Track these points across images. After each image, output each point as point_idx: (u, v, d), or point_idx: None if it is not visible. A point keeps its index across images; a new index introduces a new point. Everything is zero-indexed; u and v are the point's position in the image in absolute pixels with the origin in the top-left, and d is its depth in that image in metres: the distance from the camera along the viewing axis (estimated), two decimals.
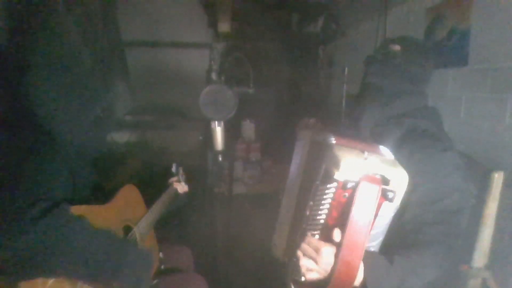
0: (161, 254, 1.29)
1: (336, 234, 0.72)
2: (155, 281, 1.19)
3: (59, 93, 0.91)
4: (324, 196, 0.75)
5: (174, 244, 1.52)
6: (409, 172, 0.81)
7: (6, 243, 0.68)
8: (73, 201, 0.86)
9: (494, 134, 1.36)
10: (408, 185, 0.82)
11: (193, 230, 2.20)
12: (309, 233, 0.78)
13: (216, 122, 1.28)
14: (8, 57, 0.90)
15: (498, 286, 0.99)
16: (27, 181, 0.78)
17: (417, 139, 0.92)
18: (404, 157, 0.85)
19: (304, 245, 0.78)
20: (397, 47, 1.03)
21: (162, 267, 1.29)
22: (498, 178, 0.95)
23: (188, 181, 1.53)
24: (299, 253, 0.79)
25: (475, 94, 1.47)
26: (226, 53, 3.03)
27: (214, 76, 1.33)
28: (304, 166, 1.02)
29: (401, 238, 0.83)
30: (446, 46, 1.62)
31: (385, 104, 1.00)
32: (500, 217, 0.97)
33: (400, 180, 0.73)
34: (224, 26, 2.99)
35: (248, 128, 2.82)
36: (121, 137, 2.93)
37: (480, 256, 0.97)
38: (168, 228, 1.41)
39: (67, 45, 0.98)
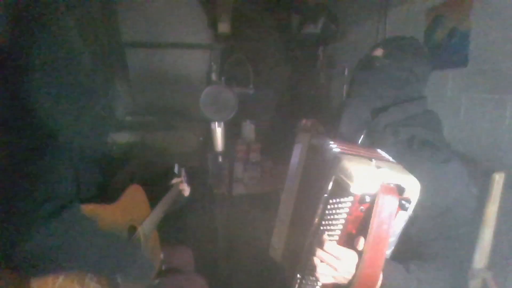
0: (162, 255, 1.29)
1: (360, 243, 0.70)
2: (156, 281, 1.19)
3: (59, 94, 0.91)
4: (339, 211, 0.72)
5: (175, 245, 1.52)
6: None
7: (19, 242, 0.69)
8: (78, 201, 0.87)
9: (494, 134, 1.36)
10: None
11: (193, 230, 2.20)
12: (327, 239, 0.74)
13: (216, 123, 1.28)
14: (8, 57, 0.90)
15: (498, 287, 0.99)
16: (37, 180, 0.78)
17: (416, 151, 0.89)
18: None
19: (322, 253, 0.74)
20: (378, 52, 0.99)
21: (163, 267, 1.29)
22: (499, 179, 0.95)
23: (189, 182, 1.53)
24: (316, 260, 0.75)
25: (475, 94, 1.47)
26: (226, 54, 3.03)
27: (214, 76, 1.33)
28: (302, 170, 1.02)
29: (409, 251, 0.83)
30: (446, 46, 1.62)
31: (375, 113, 0.96)
32: (500, 217, 0.97)
33: (413, 188, 0.72)
34: (224, 27, 2.98)
35: (248, 128, 2.82)
36: (121, 138, 2.92)
37: (481, 256, 0.97)
38: (169, 228, 1.41)
39: (67, 45, 0.98)
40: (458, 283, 0.84)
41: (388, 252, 0.81)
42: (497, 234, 0.98)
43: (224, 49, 3.08)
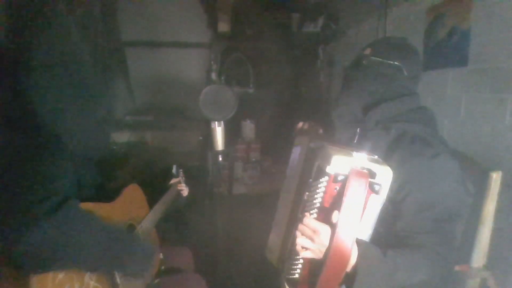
0: (161, 255, 1.29)
1: (334, 216, 0.76)
2: (155, 281, 1.19)
3: (60, 94, 0.92)
4: (317, 190, 0.81)
5: (174, 245, 1.53)
6: (400, 180, 0.84)
7: (19, 238, 0.69)
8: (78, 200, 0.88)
9: (494, 134, 1.36)
10: (401, 192, 0.85)
11: (193, 230, 2.21)
12: (307, 214, 0.81)
13: (216, 122, 1.28)
14: (9, 57, 0.90)
15: (497, 286, 0.99)
16: (36, 177, 0.79)
17: (406, 146, 0.90)
18: (395, 165, 0.84)
19: (302, 226, 0.81)
20: (368, 51, 1.02)
21: (162, 267, 1.29)
22: (496, 177, 0.95)
23: (187, 182, 1.53)
24: (297, 233, 0.81)
25: (475, 94, 1.47)
26: (226, 53, 3.03)
27: (214, 76, 1.33)
28: (300, 173, 1.02)
29: (395, 245, 0.83)
30: (446, 46, 1.62)
31: (366, 110, 0.98)
32: (498, 216, 0.97)
33: (385, 174, 0.79)
34: (224, 26, 2.98)
35: (248, 128, 2.82)
36: (121, 138, 2.92)
37: (479, 256, 0.97)
38: (168, 228, 1.41)
39: (68, 45, 0.98)
40: (440, 276, 0.84)
41: (365, 236, 0.83)
42: (495, 233, 0.98)
43: (224, 48, 3.08)
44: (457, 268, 0.98)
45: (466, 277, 0.98)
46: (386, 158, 0.86)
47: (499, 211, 0.96)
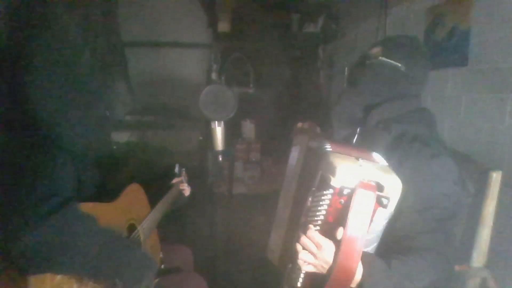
0: (161, 254, 1.30)
1: (339, 232, 0.73)
2: (155, 281, 1.19)
3: (59, 94, 0.92)
4: (321, 202, 0.76)
5: (174, 244, 1.52)
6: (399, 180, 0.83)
7: (18, 238, 0.69)
8: (78, 200, 0.87)
9: (494, 134, 1.36)
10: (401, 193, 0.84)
11: (193, 230, 2.21)
12: (311, 227, 0.78)
13: (216, 122, 1.27)
14: (8, 58, 0.90)
15: (497, 286, 0.99)
16: (37, 177, 0.79)
17: (405, 146, 0.90)
18: (394, 165, 0.84)
19: (305, 239, 0.78)
20: (376, 50, 1.00)
21: (162, 266, 1.29)
22: (496, 177, 0.95)
23: (189, 182, 1.53)
24: (298, 246, 0.79)
25: (475, 94, 1.47)
26: (226, 53, 3.03)
27: (214, 76, 1.33)
28: (299, 172, 1.01)
29: (394, 245, 0.83)
30: (446, 46, 1.62)
31: (367, 109, 0.97)
32: (498, 216, 0.97)
33: (394, 186, 0.75)
34: (224, 26, 2.99)
35: (248, 128, 2.83)
36: (121, 137, 2.93)
37: (479, 255, 0.97)
38: (168, 228, 1.41)
39: (67, 45, 0.98)
40: (444, 277, 0.84)
41: (369, 249, 0.82)
42: (496, 232, 0.98)
43: (224, 48, 3.08)
44: (457, 268, 0.98)
45: (466, 277, 0.98)
46: (385, 158, 0.85)
47: (499, 211, 0.96)
